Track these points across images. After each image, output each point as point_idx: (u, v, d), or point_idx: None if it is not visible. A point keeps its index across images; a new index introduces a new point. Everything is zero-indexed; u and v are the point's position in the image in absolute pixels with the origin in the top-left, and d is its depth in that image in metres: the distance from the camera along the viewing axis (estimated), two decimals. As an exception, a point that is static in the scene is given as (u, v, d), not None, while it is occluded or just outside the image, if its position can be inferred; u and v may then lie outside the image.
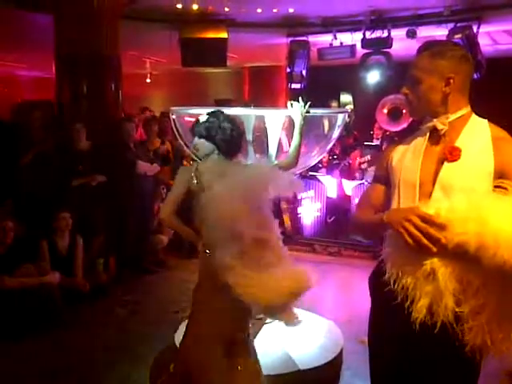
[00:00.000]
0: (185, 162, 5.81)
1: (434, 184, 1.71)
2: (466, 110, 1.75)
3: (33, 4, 6.00)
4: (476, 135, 1.71)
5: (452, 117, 1.73)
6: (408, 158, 1.79)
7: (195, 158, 3.43)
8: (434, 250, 1.49)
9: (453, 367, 1.69)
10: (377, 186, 1.93)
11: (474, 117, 1.77)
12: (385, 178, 1.88)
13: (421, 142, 1.78)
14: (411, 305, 1.57)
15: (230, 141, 2.48)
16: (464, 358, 1.59)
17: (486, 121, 1.75)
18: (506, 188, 1.52)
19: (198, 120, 2.51)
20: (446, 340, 1.57)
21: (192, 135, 2.54)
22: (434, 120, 1.74)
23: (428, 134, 1.77)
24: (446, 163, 1.69)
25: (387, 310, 1.67)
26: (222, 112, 2.53)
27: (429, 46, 1.75)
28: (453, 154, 1.68)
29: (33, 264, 4.18)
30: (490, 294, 1.50)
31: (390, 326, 1.76)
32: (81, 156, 4.99)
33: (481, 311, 1.51)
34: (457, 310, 1.51)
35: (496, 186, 1.56)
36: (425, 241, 1.49)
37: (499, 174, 1.62)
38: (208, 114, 2.51)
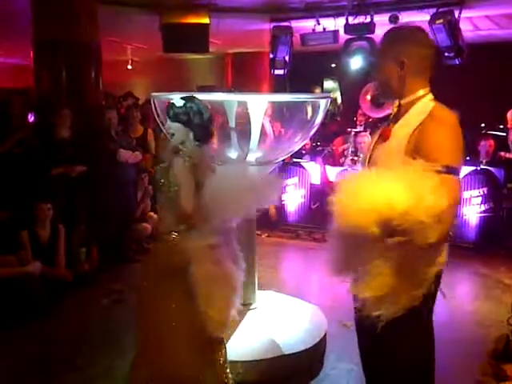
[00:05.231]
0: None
1: None
2: (423, 91, 1.82)
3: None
4: (415, 116, 1.78)
5: (404, 100, 1.83)
6: (371, 141, 2.02)
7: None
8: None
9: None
10: None
11: (425, 99, 1.83)
12: None
13: (383, 125, 1.97)
14: None
15: (206, 127, 2.48)
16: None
17: (432, 104, 1.81)
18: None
19: (172, 103, 2.49)
20: None
21: (165, 118, 2.52)
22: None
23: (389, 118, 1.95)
24: (377, 143, 1.88)
25: None
26: (197, 97, 2.52)
27: (388, 32, 1.86)
28: (384, 135, 1.84)
29: (14, 254, 4.13)
30: (360, 257, 1.71)
31: None
32: (61, 144, 4.91)
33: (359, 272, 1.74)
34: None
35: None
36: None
37: (414, 152, 1.69)
38: (184, 98, 2.49)
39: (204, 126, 2.46)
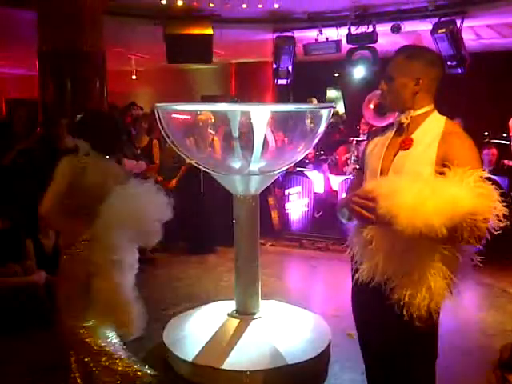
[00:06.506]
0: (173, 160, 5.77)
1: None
2: (430, 107, 1.98)
3: (16, 0, 5.92)
4: (431, 129, 1.93)
5: (415, 113, 1.96)
6: (376, 149, 2.05)
7: (184, 157, 3.43)
8: (372, 217, 1.74)
9: (403, 331, 1.86)
10: (359, 174, 2.19)
11: (435, 114, 1.99)
12: (363, 167, 2.14)
13: (389, 134, 2.03)
14: (358, 268, 1.88)
15: (103, 138, 2.50)
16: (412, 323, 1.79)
17: (444, 118, 1.97)
18: (444, 173, 1.74)
19: (73, 121, 2.54)
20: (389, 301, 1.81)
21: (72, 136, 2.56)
22: (401, 115, 1.98)
23: (395, 128, 2.02)
24: (400, 151, 1.94)
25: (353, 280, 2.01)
26: (98, 110, 2.58)
27: (404, 49, 2.01)
28: (406, 144, 1.93)
29: (18, 263, 4.15)
30: (411, 258, 1.76)
31: (355, 293, 2.11)
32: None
33: (403, 273, 1.78)
34: (385, 270, 1.79)
35: (441, 173, 1.77)
36: (359, 209, 1.77)
37: (442, 162, 1.82)
38: (82, 112, 2.53)
39: (99, 137, 2.49)
